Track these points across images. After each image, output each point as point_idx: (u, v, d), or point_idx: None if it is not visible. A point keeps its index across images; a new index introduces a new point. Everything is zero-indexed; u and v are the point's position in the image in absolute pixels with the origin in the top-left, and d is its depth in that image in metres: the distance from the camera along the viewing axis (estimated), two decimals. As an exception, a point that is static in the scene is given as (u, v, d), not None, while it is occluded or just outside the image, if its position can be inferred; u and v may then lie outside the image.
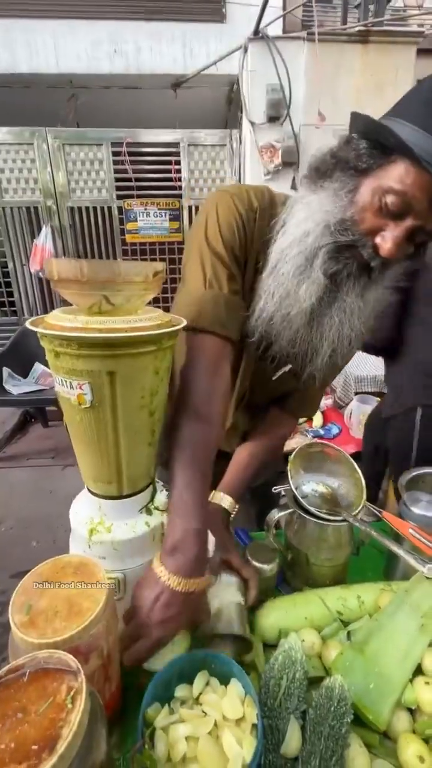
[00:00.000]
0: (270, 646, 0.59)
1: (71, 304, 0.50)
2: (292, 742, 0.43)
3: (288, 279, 0.59)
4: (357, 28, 2.59)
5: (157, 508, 0.57)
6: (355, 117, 0.55)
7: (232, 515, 0.74)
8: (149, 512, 0.57)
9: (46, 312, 3.22)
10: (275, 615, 0.62)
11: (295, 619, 0.61)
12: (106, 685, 0.47)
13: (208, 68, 3.20)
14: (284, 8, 3.13)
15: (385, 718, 0.48)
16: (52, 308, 2.70)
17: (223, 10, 3.36)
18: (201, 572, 0.51)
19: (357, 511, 0.67)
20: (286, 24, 3.11)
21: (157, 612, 0.47)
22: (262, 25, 2.70)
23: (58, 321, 0.44)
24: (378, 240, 0.54)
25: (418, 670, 0.53)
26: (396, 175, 0.51)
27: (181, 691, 0.46)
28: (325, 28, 2.78)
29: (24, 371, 2.71)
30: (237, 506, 0.75)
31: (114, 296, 0.44)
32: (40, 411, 3.01)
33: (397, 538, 0.67)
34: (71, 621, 0.42)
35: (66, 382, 0.46)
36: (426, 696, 0.50)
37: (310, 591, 0.67)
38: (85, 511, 0.56)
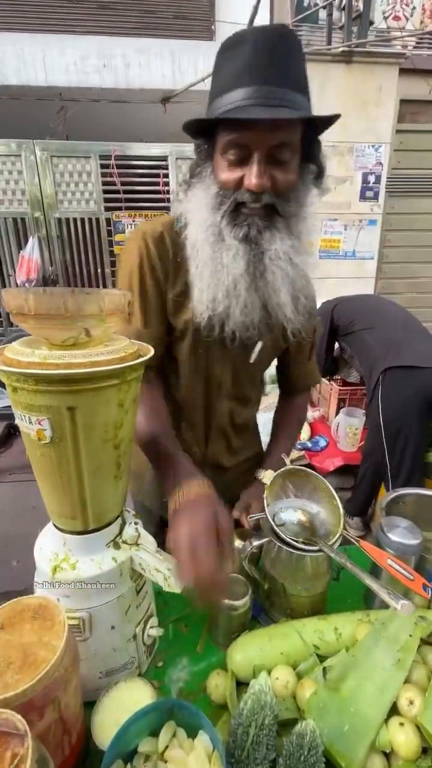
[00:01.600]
0: (244, 684, 0.57)
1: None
2: (259, 798, 0.41)
3: (209, 259, 0.65)
4: (341, 49, 2.66)
5: (125, 542, 0.55)
6: (186, 126, 0.63)
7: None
8: (117, 546, 0.55)
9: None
10: (250, 651, 0.60)
11: (271, 655, 0.59)
12: (64, 737, 0.44)
13: (197, 84, 3.25)
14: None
15: (360, 764, 0.46)
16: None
17: (212, 27, 3.44)
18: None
19: (334, 541, 0.65)
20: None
21: (189, 535, 0.52)
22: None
23: (16, 355, 0.43)
24: (246, 185, 0.60)
25: (394, 710, 0.52)
26: (221, 139, 0.61)
27: (145, 745, 0.43)
28: (311, 48, 2.84)
29: (8, 383, 2.66)
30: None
31: (94, 328, 0.43)
32: (25, 423, 2.96)
33: (377, 567, 0.66)
34: (25, 673, 0.40)
35: (25, 417, 0.44)
36: (400, 738, 0.48)
37: (287, 623, 0.65)
38: (49, 547, 0.54)
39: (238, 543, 0.73)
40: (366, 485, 2.00)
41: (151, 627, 0.60)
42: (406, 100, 3.02)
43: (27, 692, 0.39)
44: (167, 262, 0.72)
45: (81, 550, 0.53)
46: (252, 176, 0.59)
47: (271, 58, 0.56)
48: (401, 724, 0.50)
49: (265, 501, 0.68)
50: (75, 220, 3.12)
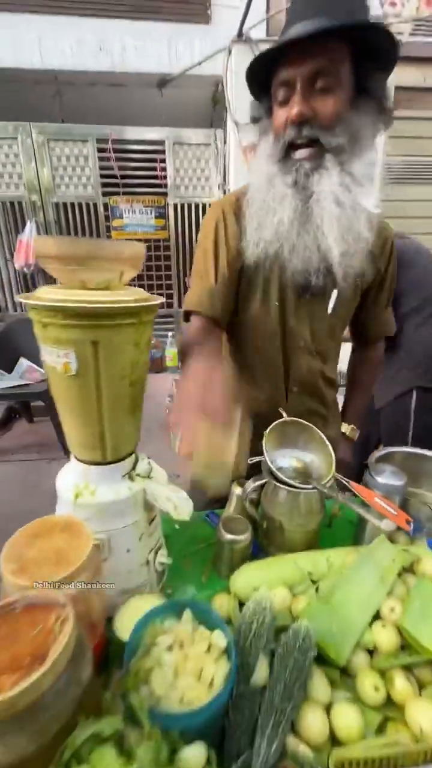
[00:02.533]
0: (244, 604, 0.64)
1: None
2: (261, 672, 0.48)
3: (261, 204, 0.71)
4: (337, 34, 2.67)
5: (138, 475, 0.62)
6: (247, 77, 0.69)
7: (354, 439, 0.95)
8: (131, 479, 0.61)
9: (30, 308, 3.21)
10: (250, 576, 0.67)
11: (269, 579, 0.66)
12: (90, 632, 0.50)
13: (193, 68, 3.25)
14: (268, 11, 3.20)
15: (346, 655, 0.53)
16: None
17: (209, 11, 3.41)
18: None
19: (326, 481, 0.72)
20: (270, 26, 3.18)
21: (197, 383, 0.54)
22: (246, 26, 2.76)
23: (46, 294, 0.48)
24: (288, 119, 0.64)
25: (377, 618, 0.59)
26: (274, 85, 0.66)
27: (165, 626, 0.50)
28: (307, 33, 2.85)
29: (9, 367, 2.69)
30: (358, 430, 0.97)
31: (92, 277, 0.48)
32: (25, 406, 3.00)
33: (364, 506, 0.72)
34: (59, 568, 0.46)
35: (53, 351, 0.50)
36: (382, 637, 0.55)
37: (285, 555, 0.72)
38: (71, 478, 0.60)
39: (239, 490, 0.80)
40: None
41: (162, 555, 0.67)
42: (400, 87, 3.05)
43: (69, 578, 0.45)
44: (242, 222, 0.76)
45: (100, 479, 0.59)
46: (293, 107, 0.62)
47: None
48: (383, 626, 0.57)
49: (264, 447, 0.75)
50: (72, 204, 3.12)
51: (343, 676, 0.54)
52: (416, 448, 0.96)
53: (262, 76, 0.68)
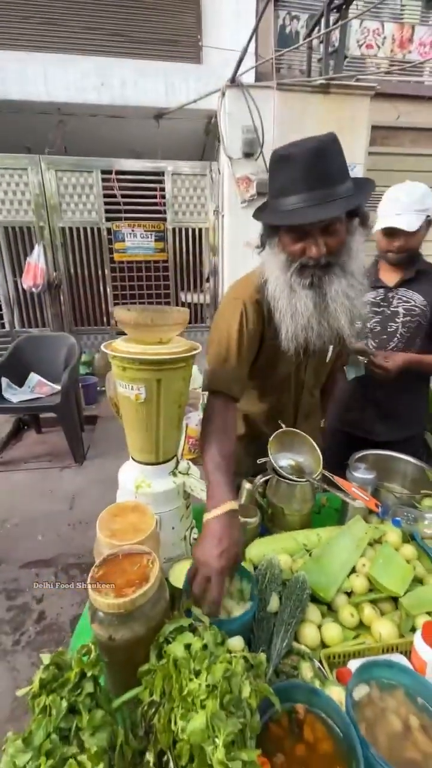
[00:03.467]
0: (257, 568, 0.87)
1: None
2: (273, 603, 0.70)
3: (287, 305, 0.89)
4: (319, 82, 2.99)
5: (180, 472, 0.84)
6: (255, 216, 0.91)
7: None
8: (175, 475, 0.84)
9: (36, 325, 3.38)
10: (261, 547, 0.90)
11: (274, 549, 0.89)
12: (155, 580, 0.73)
13: (189, 105, 3.54)
14: (256, 53, 3.52)
15: (331, 595, 0.76)
16: (42, 321, 2.91)
17: (200, 48, 3.72)
18: (230, 497, 0.75)
19: (316, 476, 0.96)
20: (259, 67, 3.51)
21: (214, 548, 0.67)
22: (238, 71, 3.05)
23: (124, 347, 0.71)
24: (307, 254, 0.83)
25: (353, 571, 0.82)
26: (288, 227, 0.85)
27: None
28: (292, 80, 3.17)
29: (20, 381, 2.88)
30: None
31: (165, 334, 0.72)
32: (35, 418, 3.18)
33: (344, 493, 0.96)
34: (136, 535, 0.68)
35: (128, 386, 0.73)
36: (357, 582, 0.79)
37: (286, 533, 0.95)
38: (131, 474, 0.82)
39: (248, 486, 1.02)
40: None
41: (194, 533, 0.89)
42: (376, 126, 3.39)
43: (142, 542, 0.67)
44: (264, 320, 0.97)
45: (153, 475, 0.81)
46: (312, 249, 0.81)
47: (316, 168, 0.77)
48: (357, 576, 0.80)
49: (269, 451, 0.98)
50: (78, 229, 3.35)
51: (330, 611, 0.78)
52: (386, 451, 1.21)
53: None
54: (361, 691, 0.55)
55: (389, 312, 1.41)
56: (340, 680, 0.62)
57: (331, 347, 1.05)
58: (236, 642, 0.60)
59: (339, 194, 0.78)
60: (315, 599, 0.77)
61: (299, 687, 0.55)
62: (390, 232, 1.32)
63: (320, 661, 0.65)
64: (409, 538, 0.94)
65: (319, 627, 0.72)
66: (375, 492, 1.03)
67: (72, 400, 2.72)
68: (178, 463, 0.86)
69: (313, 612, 0.73)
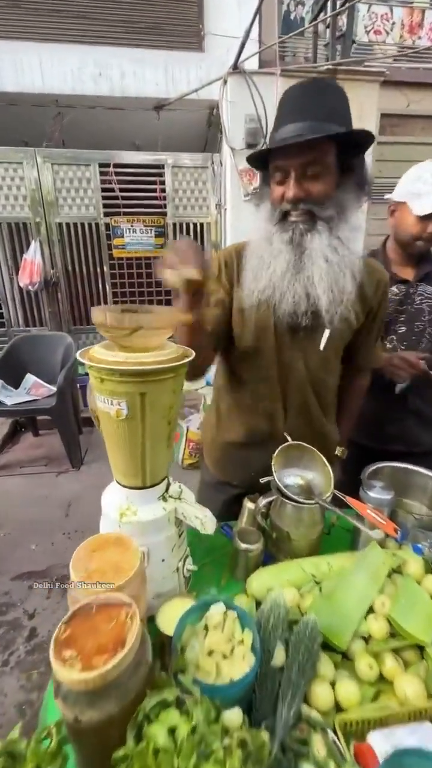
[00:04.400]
0: (259, 604, 0.76)
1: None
2: (278, 657, 0.60)
3: (259, 258, 0.83)
4: (325, 67, 2.85)
5: (171, 497, 0.74)
6: (248, 160, 0.86)
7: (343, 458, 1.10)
8: (165, 499, 0.73)
9: (33, 324, 3.29)
10: (263, 579, 0.79)
11: (279, 582, 0.78)
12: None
13: (190, 94, 3.41)
14: (260, 40, 3.38)
15: (346, 641, 0.65)
16: (40, 321, 2.79)
17: (202, 37, 3.58)
18: None
19: (326, 497, 0.85)
20: (262, 54, 3.36)
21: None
22: (240, 56, 2.92)
23: (103, 356, 0.60)
24: (285, 197, 0.78)
25: (371, 612, 0.71)
26: (271, 167, 0.81)
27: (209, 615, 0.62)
28: (296, 65, 3.03)
29: (15, 382, 2.79)
30: (346, 451, 1.12)
31: (134, 339, 0.61)
32: (31, 420, 3.09)
33: (359, 518, 0.85)
34: (117, 577, 0.58)
35: (108, 400, 0.62)
36: (375, 626, 0.68)
37: (292, 561, 0.84)
38: (115, 499, 0.72)
39: (250, 505, 0.92)
40: None
41: (189, 564, 0.79)
42: (386, 114, 3.24)
43: (122, 587, 0.57)
44: (232, 272, 0.92)
45: (140, 501, 0.71)
46: (289, 190, 0.77)
47: (311, 100, 0.76)
48: (376, 618, 0.69)
49: (273, 468, 0.87)
50: (75, 224, 3.24)
51: (344, 660, 0.67)
52: (403, 463, 1.09)
53: (263, 156, 0.84)
54: (388, 789, 0.45)
55: (413, 310, 1.26)
56: (359, 760, 0.51)
57: (326, 332, 0.91)
58: (234, 716, 0.49)
59: (329, 130, 0.73)
60: (326, 645, 0.66)
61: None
62: (428, 216, 1.14)
63: (334, 730, 0.54)
64: (432, 567, 0.83)
65: (333, 683, 0.61)
66: (392, 513, 0.91)
67: (68, 402, 2.63)
68: (169, 485, 0.75)
69: (326, 665, 0.62)
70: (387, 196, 1.28)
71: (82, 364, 0.62)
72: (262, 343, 0.94)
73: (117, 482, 0.72)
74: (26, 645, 1.57)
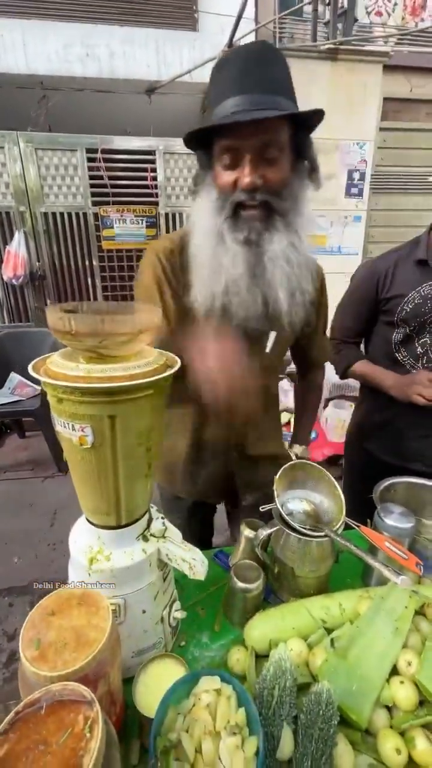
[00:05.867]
0: (260, 657, 0.64)
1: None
2: (286, 747, 0.47)
3: (209, 260, 0.71)
4: (326, 46, 2.69)
5: (153, 535, 0.61)
6: (185, 140, 0.71)
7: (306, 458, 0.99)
8: (146, 539, 0.60)
9: (19, 320, 3.13)
10: (265, 627, 0.67)
11: (284, 630, 0.66)
12: (112, 708, 0.50)
13: (182, 76, 3.23)
14: (256, 20, 3.20)
15: (367, 717, 0.53)
16: (26, 315, 2.62)
17: (195, 17, 3.39)
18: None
19: (338, 527, 0.72)
20: (258, 34, 3.18)
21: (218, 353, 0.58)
22: (235, 35, 2.74)
23: (61, 369, 0.47)
24: (239, 184, 0.67)
25: (394, 671, 0.59)
26: (216, 147, 0.68)
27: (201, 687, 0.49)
28: (296, 44, 2.86)
29: (-1, 381, 2.64)
30: (309, 451, 1.05)
31: (105, 348, 0.47)
32: (17, 422, 2.95)
33: (374, 548, 0.73)
34: (80, 652, 0.45)
35: (68, 424, 0.48)
36: (401, 694, 0.56)
37: (297, 602, 0.72)
38: (84, 540, 0.59)
39: (248, 532, 0.80)
40: None
41: (176, 610, 0.66)
42: (389, 98, 3.08)
43: (84, 668, 0.44)
44: (178, 274, 0.77)
45: (114, 543, 0.58)
46: (244, 176, 0.65)
47: (253, 70, 0.63)
48: (401, 682, 0.57)
49: (275, 493, 0.75)
50: (62, 214, 3.07)
51: (364, 735, 0.55)
52: (418, 478, 0.97)
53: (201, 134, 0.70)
54: None
55: None
56: None
57: (272, 334, 0.81)
58: None
59: (280, 105, 0.63)
60: (342, 718, 0.54)
61: None
62: None
63: None
64: (461, 608, 0.71)
65: (353, 776, 0.49)
66: (411, 543, 0.79)
67: (55, 403, 2.48)
68: (150, 522, 0.62)
69: (344, 754, 0.50)
70: None
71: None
72: None
73: (87, 520, 0.59)
74: (4, 671, 1.44)
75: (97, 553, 0.57)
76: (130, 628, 0.59)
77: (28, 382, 2.66)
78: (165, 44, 3.36)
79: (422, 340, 1.13)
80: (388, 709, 0.57)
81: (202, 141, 0.71)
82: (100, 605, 0.51)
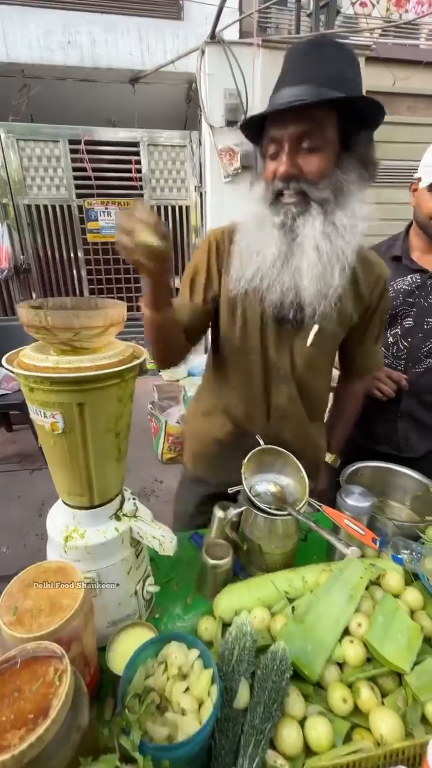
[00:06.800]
0: (227, 626, 0.70)
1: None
2: (242, 697, 0.53)
3: (247, 242, 0.75)
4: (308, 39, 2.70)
5: (125, 515, 0.65)
6: (242, 128, 0.77)
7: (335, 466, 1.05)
8: (118, 519, 0.65)
9: (5, 313, 3.12)
10: (232, 598, 0.72)
11: (249, 601, 0.72)
12: (86, 669, 0.55)
13: (167, 66, 3.20)
14: (240, 10, 3.18)
15: (318, 672, 0.59)
16: (11, 308, 2.62)
17: (180, 4, 3.36)
18: None
19: (300, 506, 0.78)
20: (243, 25, 3.17)
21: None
22: (219, 26, 2.73)
23: (32, 360, 0.51)
24: (276, 173, 0.70)
25: (346, 632, 0.65)
26: (264, 138, 0.73)
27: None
28: (279, 36, 2.86)
29: (-15, 375, 2.64)
30: (339, 460, 1.09)
31: (78, 341, 0.51)
32: (3, 415, 2.95)
33: (338, 527, 0.79)
34: (54, 617, 0.50)
35: (40, 411, 0.52)
36: (350, 652, 0.62)
37: (263, 576, 0.77)
38: (60, 520, 0.63)
39: (220, 513, 0.85)
40: None
41: (149, 585, 0.71)
42: (371, 91, 3.11)
43: (57, 630, 0.49)
44: (223, 256, 0.84)
45: (88, 522, 0.62)
46: (281, 165, 0.68)
47: (316, 62, 0.65)
48: (351, 641, 0.63)
49: (243, 476, 0.80)
50: (46, 206, 3.05)
51: (316, 689, 0.61)
52: (384, 463, 1.03)
53: (257, 126, 0.74)
54: None
55: (425, 304, 1.13)
56: None
57: (315, 327, 0.81)
58: (184, 781, 0.42)
59: (329, 95, 0.63)
60: (297, 674, 0.60)
61: None
62: None
63: (303, 781, 0.48)
64: (413, 578, 0.77)
65: (302, 722, 0.55)
66: (371, 520, 0.86)
67: (42, 396, 2.50)
68: (123, 502, 0.66)
69: (295, 703, 0.56)
70: (416, 175, 1.15)
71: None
72: (247, 335, 0.86)
73: (63, 501, 0.64)
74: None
75: (72, 531, 0.62)
76: (105, 601, 0.64)
77: (15, 376, 2.67)
78: (148, 33, 3.32)
79: (393, 331, 1.19)
80: (340, 666, 0.63)
81: (258, 133, 0.75)
82: (74, 577, 0.55)
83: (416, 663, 0.60)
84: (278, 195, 0.72)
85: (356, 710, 0.58)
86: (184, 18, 3.35)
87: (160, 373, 3.05)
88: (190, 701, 0.49)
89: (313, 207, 0.70)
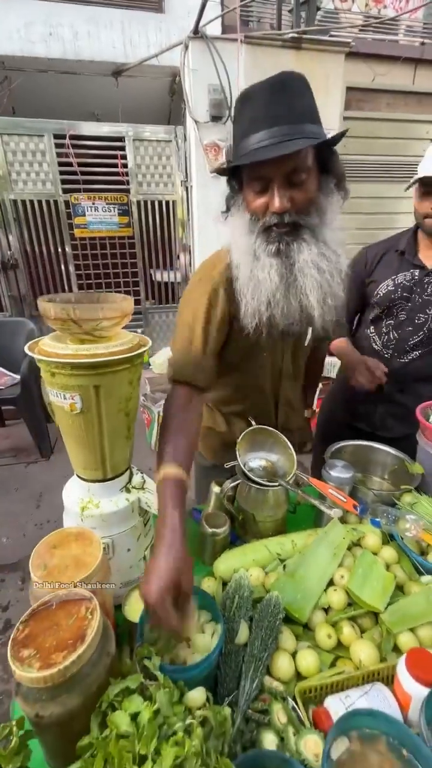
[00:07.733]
0: (226, 584, 0.78)
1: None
2: (242, 634, 0.62)
3: (248, 275, 0.78)
4: (290, 35, 2.75)
5: (134, 487, 0.73)
6: (218, 171, 0.80)
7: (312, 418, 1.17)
8: (128, 491, 0.73)
9: (-7, 309, 3.09)
10: (230, 561, 0.81)
11: (245, 562, 0.81)
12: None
13: (150, 59, 3.21)
14: (222, 5, 3.20)
15: (307, 615, 0.69)
16: (0, 305, 2.62)
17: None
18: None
19: (289, 478, 0.87)
20: (225, 19, 3.19)
21: (151, 578, 0.56)
22: (201, 21, 2.75)
23: (53, 349, 0.58)
24: (270, 209, 0.73)
25: (331, 583, 0.75)
26: (246, 176, 0.75)
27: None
28: (261, 32, 2.90)
29: (-24, 371, 2.65)
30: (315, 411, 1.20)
31: (98, 331, 0.58)
32: (-4, 411, 2.97)
33: (322, 497, 0.88)
34: (79, 572, 0.57)
35: (60, 394, 0.60)
36: (334, 598, 0.72)
37: (258, 542, 0.86)
38: (76, 493, 0.71)
39: (216, 489, 0.93)
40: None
41: (156, 551, 0.79)
42: (351, 87, 3.18)
43: (86, 579, 0.56)
44: (235, 301, 0.83)
45: (101, 493, 0.70)
46: (274, 201, 0.70)
47: (278, 101, 0.68)
48: (335, 590, 0.73)
49: (237, 453, 0.88)
50: (32, 202, 3.04)
51: (305, 630, 0.70)
52: (366, 441, 1.14)
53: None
54: (340, 747, 0.48)
55: (420, 300, 1.19)
56: (317, 724, 0.54)
57: (310, 330, 0.91)
58: (197, 695, 0.51)
59: (305, 133, 0.67)
60: (290, 619, 0.70)
61: (268, 757, 0.47)
62: (428, 190, 1.09)
63: (294, 698, 0.58)
64: (389, 538, 0.88)
65: (294, 654, 0.64)
66: (353, 490, 0.96)
67: (33, 391, 2.54)
68: (131, 476, 0.74)
69: (287, 638, 0.65)
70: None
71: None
72: (255, 350, 0.92)
73: (78, 476, 0.71)
74: (0, 636, 1.56)
75: (87, 502, 0.69)
76: (118, 564, 0.72)
77: (6, 371, 2.69)
78: (131, 25, 3.31)
79: (388, 322, 1.28)
80: (325, 611, 0.73)
81: (232, 170, 0.77)
82: (93, 540, 0.63)
83: (389, 604, 0.70)
84: (267, 227, 0.74)
85: (339, 645, 0.68)
86: (166, 10, 3.35)
87: (150, 366, 3.10)
88: (201, 638, 0.58)
89: (304, 232, 0.74)
